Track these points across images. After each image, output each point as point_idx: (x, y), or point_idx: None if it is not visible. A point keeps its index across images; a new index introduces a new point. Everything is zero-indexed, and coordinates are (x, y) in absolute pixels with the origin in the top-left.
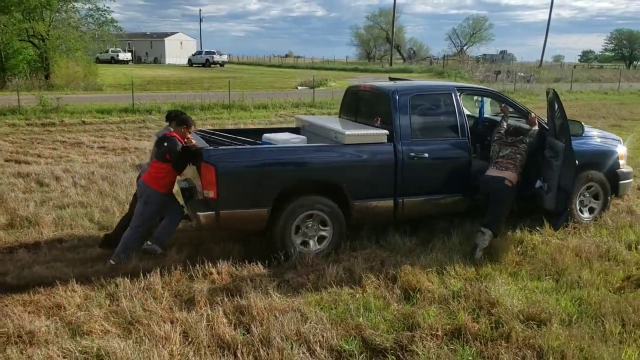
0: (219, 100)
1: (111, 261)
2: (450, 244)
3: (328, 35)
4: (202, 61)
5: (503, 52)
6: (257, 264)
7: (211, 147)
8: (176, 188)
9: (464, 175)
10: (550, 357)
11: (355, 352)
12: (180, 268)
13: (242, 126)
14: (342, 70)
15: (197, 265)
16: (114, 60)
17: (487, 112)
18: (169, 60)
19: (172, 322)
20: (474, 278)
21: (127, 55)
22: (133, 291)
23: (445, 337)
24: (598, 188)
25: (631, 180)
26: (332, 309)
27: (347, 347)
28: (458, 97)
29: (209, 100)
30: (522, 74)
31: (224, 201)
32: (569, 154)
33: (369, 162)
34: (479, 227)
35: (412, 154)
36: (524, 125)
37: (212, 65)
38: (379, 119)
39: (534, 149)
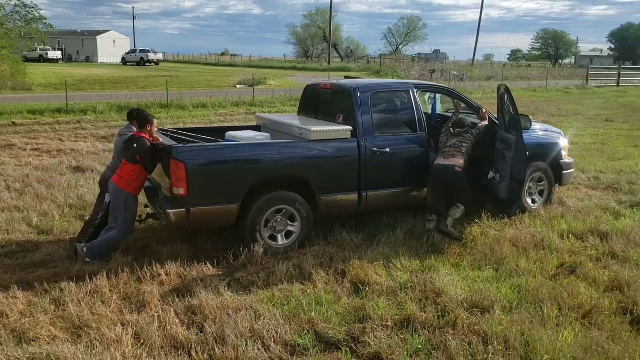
0: (156, 99)
1: (87, 259)
2: (395, 238)
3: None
4: (136, 60)
5: (437, 52)
6: (206, 264)
7: (180, 145)
8: None
9: (423, 168)
10: (495, 342)
11: (309, 346)
12: (128, 270)
13: (181, 125)
14: (281, 69)
15: (145, 267)
16: (43, 59)
17: (439, 109)
18: (101, 59)
19: (123, 325)
20: (419, 270)
21: (57, 54)
22: (80, 295)
23: (395, 327)
24: (544, 178)
25: (573, 170)
26: (284, 305)
27: (301, 341)
28: (415, 94)
29: (146, 100)
30: (455, 73)
31: (194, 198)
32: (520, 146)
33: (334, 157)
34: (422, 219)
35: (375, 149)
36: (474, 120)
37: (147, 64)
38: (341, 115)
39: (486, 143)
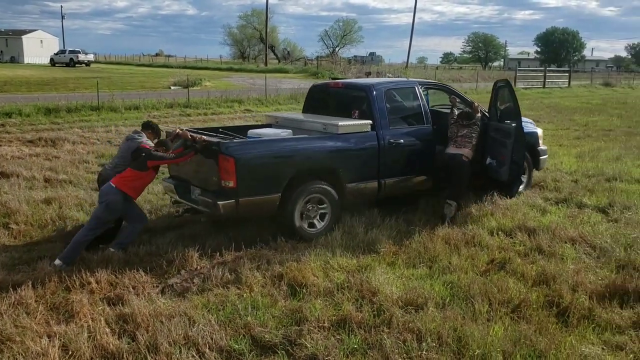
0: (86, 101)
1: (56, 262)
2: (332, 239)
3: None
4: (66, 60)
5: (372, 54)
6: (138, 270)
7: (227, 141)
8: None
9: (430, 157)
10: (428, 339)
11: (245, 351)
12: (55, 279)
13: (113, 128)
14: (217, 70)
15: (74, 275)
16: None
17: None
18: (27, 59)
19: (49, 337)
20: (356, 270)
21: None
22: (2, 308)
23: (331, 327)
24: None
25: (547, 156)
26: (219, 311)
27: (236, 346)
28: (420, 90)
29: (76, 102)
30: (390, 75)
31: (242, 189)
32: (520, 133)
33: (358, 148)
34: (442, 201)
35: (391, 140)
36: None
37: (77, 65)
38: (357, 111)
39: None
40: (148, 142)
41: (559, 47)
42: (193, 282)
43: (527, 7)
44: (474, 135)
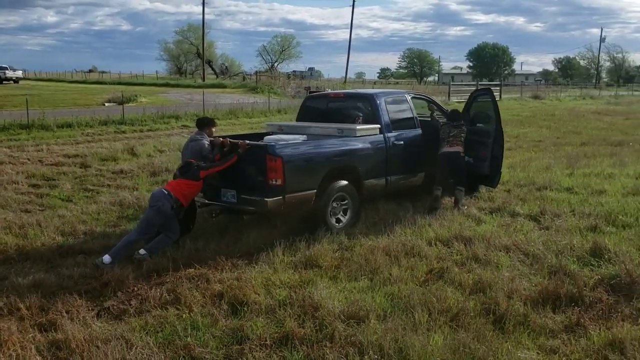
0: (15, 119)
1: (105, 257)
2: (273, 255)
3: (135, 49)
4: None
5: (311, 69)
6: (72, 294)
7: (273, 143)
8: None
9: (422, 156)
10: (370, 351)
11: None
12: None
13: (45, 147)
14: (153, 86)
15: (1, 302)
16: None
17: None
18: None
19: None
20: (298, 285)
21: None
22: None
23: (274, 345)
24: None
25: None
26: (158, 332)
27: None
28: (410, 99)
29: (4, 120)
30: (329, 90)
31: (288, 186)
32: (499, 132)
33: (372, 149)
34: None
35: (395, 141)
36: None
37: (4, 82)
38: (361, 117)
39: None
40: (206, 141)
41: (490, 62)
42: (130, 304)
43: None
44: (462, 134)
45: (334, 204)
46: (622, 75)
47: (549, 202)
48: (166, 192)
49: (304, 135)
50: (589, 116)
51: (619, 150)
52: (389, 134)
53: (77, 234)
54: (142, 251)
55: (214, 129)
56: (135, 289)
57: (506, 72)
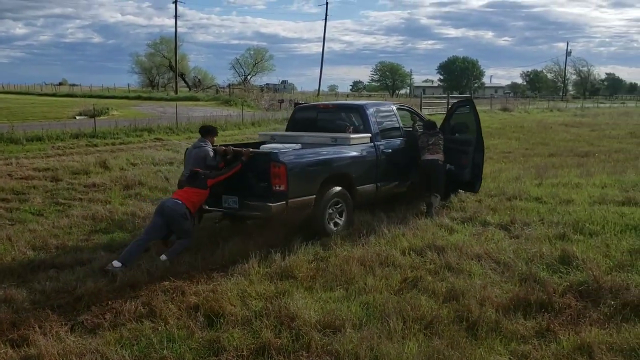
0: None
1: (162, 257)
2: (249, 266)
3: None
4: None
5: (284, 82)
6: (44, 309)
7: (276, 150)
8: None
9: (407, 164)
10: None
11: None
12: None
13: (14, 161)
14: (125, 99)
15: None
16: None
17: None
18: None
19: None
20: (274, 296)
21: None
22: None
23: (250, 356)
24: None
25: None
26: (134, 346)
27: None
28: (396, 110)
29: None
30: (303, 102)
31: (291, 192)
32: (480, 141)
33: (364, 156)
34: (428, 196)
35: (384, 149)
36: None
37: None
38: (351, 127)
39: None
40: (210, 149)
41: (460, 75)
42: (105, 318)
43: (429, 38)
44: (440, 142)
45: (330, 210)
46: (588, 88)
47: (518, 211)
48: (180, 202)
49: (298, 144)
50: (557, 128)
51: (585, 161)
52: (378, 143)
53: (48, 248)
54: (163, 257)
55: (214, 138)
56: (110, 302)
57: (476, 85)
